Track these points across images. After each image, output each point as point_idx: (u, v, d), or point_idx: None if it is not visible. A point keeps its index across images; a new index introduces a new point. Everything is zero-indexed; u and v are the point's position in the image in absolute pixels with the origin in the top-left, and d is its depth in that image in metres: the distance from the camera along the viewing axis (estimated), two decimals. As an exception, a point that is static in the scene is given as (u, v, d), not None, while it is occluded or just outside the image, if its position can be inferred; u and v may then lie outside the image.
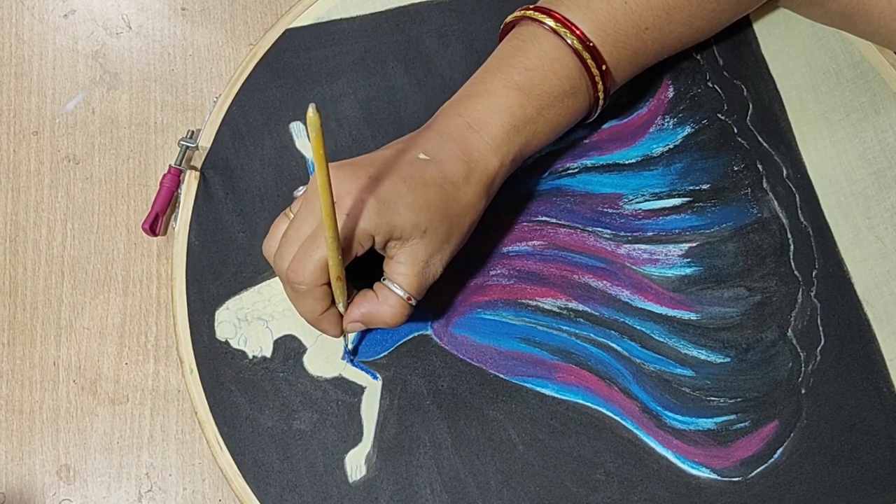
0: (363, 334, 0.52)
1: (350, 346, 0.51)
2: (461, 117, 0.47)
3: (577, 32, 0.47)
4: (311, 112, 0.34)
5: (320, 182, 0.38)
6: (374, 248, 0.45)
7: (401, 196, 0.44)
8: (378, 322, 0.46)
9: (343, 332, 0.48)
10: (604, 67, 0.48)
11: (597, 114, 0.51)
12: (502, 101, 0.47)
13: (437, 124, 0.48)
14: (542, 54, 0.47)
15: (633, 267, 0.53)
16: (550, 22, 0.47)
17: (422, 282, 0.46)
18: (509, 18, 0.50)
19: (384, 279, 0.46)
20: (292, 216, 0.46)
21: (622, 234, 0.54)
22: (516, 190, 0.54)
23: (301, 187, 0.49)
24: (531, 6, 0.49)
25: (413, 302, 0.46)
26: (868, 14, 0.51)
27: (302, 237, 0.44)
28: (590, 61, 0.47)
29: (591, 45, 0.47)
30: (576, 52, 0.47)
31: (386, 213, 0.43)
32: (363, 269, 0.48)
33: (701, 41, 0.53)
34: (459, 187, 0.46)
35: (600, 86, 0.49)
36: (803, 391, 0.51)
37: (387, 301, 0.46)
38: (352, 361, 0.51)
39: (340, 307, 0.47)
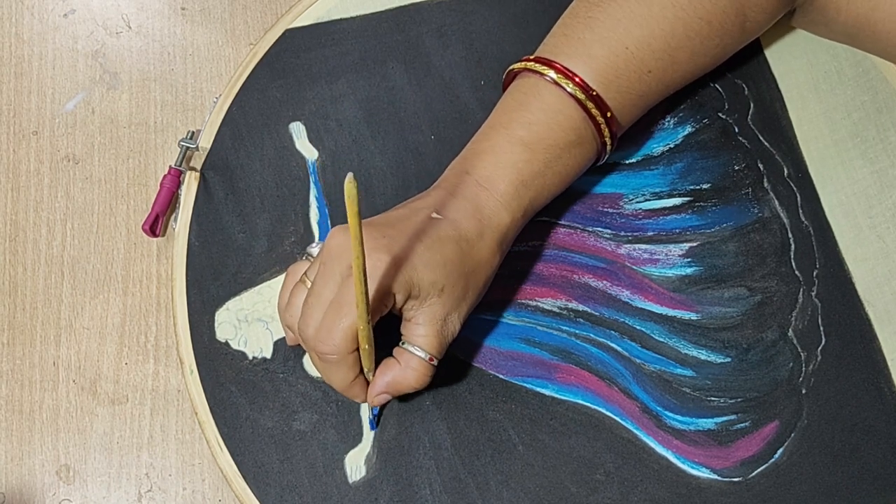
0: None
1: (372, 416, 0.51)
2: (469, 175, 0.47)
3: (580, 82, 0.47)
4: (349, 182, 0.34)
5: (354, 257, 0.37)
6: (390, 313, 0.45)
7: (418, 254, 0.44)
8: (404, 388, 0.46)
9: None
10: (609, 114, 0.48)
11: (605, 158, 0.51)
12: (508, 158, 0.47)
13: (446, 183, 0.48)
14: (545, 107, 0.47)
15: (634, 267, 0.53)
16: (552, 73, 0.47)
17: (442, 341, 0.45)
18: (514, 67, 0.49)
19: (403, 343, 0.46)
20: (308, 283, 0.45)
21: (622, 233, 0.53)
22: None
23: (314, 244, 0.48)
24: (532, 57, 0.49)
25: (435, 362, 0.46)
26: (875, 34, 0.50)
27: (324, 303, 0.43)
28: (594, 110, 0.47)
29: (595, 93, 0.47)
30: (579, 102, 0.47)
31: (405, 270, 0.43)
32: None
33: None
34: (474, 244, 0.46)
35: (606, 132, 0.48)
36: (804, 391, 0.51)
37: (409, 365, 0.45)
38: (375, 427, 0.51)
39: (370, 376, 0.46)
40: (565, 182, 0.49)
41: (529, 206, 0.48)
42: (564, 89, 0.47)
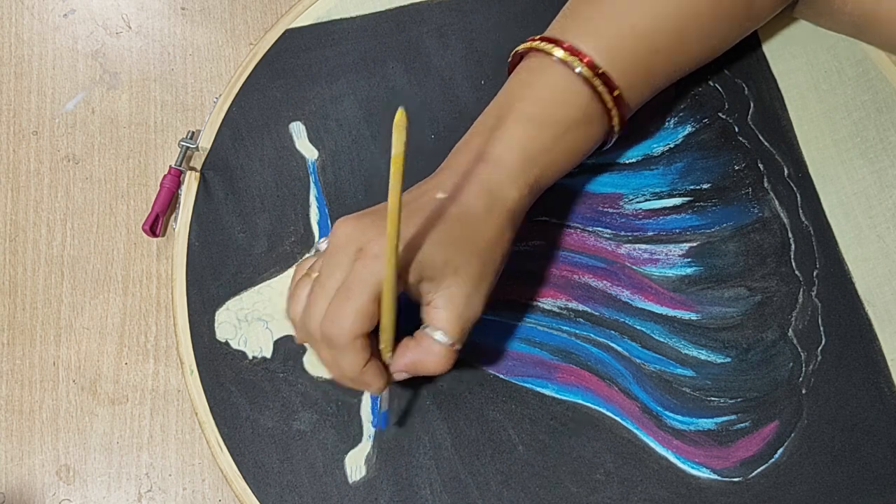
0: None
1: (385, 409, 0.50)
2: (474, 153, 0.47)
3: (587, 60, 0.47)
4: (399, 114, 0.35)
5: (391, 202, 0.38)
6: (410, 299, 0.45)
7: (423, 234, 0.43)
8: (424, 371, 0.45)
9: (386, 385, 0.46)
10: (616, 93, 0.47)
11: (613, 140, 0.51)
12: (514, 133, 0.47)
13: (452, 162, 0.47)
14: (551, 85, 0.47)
15: (634, 267, 0.53)
16: (559, 52, 0.47)
17: (463, 324, 0.45)
18: (519, 48, 0.49)
19: (425, 327, 0.45)
20: (314, 275, 0.45)
21: (622, 233, 0.53)
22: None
23: (323, 240, 0.48)
24: (539, 36, 0.49)
25: (458, 347, 0.45)
26: (880, 25, 0.50)
27: (329, 292, 0.43)
28: (601, 87, 0.47)
29: (602, 71, 0.47)
30: (586, 80, 0.47)
31: (411, 250, 0.43)
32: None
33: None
34: (483, 220, 0.45)
35: (615, 111, 0.48)
36: (804, 391, 0.51)
37: (431, 350, 0.44)
38: (383, 425, 0.50)
39: (388, 357, 0.45)
40: (573, 160, 0.49)
41: (536, 182, 0.48)
42: (571, 68, 0.47)
